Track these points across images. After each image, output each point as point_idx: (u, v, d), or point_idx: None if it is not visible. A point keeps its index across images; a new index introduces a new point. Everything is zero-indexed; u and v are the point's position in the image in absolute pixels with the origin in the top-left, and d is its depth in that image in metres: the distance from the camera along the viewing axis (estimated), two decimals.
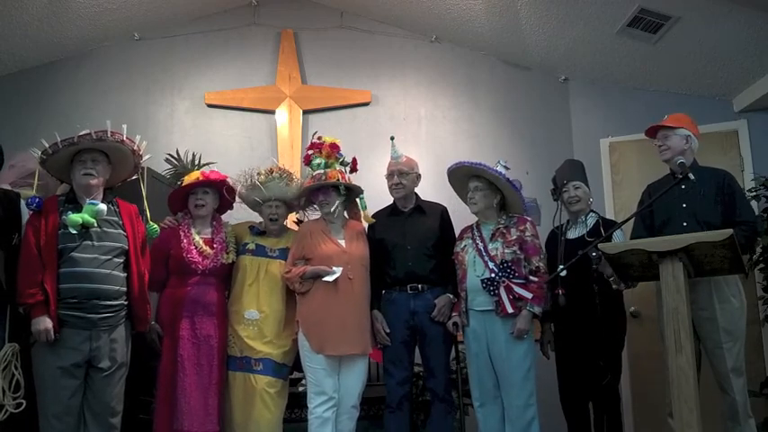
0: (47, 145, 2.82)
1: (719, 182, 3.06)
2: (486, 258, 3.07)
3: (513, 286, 3.00)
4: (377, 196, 3.50)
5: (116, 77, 4.81)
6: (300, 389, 3.43)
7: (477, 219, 3.26)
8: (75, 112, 4.55)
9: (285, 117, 4.76)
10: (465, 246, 3.18)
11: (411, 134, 4.77)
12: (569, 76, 4.80)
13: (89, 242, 2.77)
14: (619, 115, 4.60)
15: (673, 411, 2.59)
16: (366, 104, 4.86)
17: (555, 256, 3.19)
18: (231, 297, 3.24)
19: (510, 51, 4.79)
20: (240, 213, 3.51)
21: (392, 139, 3.41)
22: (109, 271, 2.78)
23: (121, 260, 2.85)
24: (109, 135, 2.85)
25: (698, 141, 3.18)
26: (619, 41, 4.23)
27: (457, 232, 3.33)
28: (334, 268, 3.07)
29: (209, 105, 4.81)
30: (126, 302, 2.86)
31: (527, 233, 3.11)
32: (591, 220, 3.30)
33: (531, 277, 3.05)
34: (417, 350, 3.28)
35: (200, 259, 3.11)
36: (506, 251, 3.06)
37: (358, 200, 3.35)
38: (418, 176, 3.41)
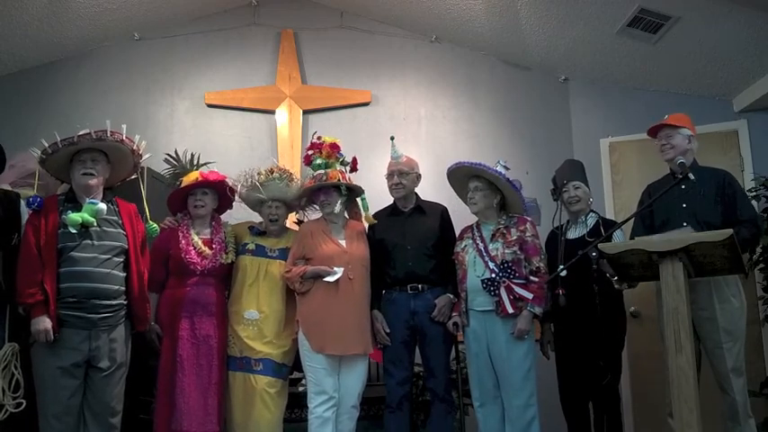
0: (47, 145, 2.82)
1: (719, 182, 3.06)
2: (487, 258, 3.07)
3: (514, 286, 3.00)
4: (377, 196, 3.50)
5: (116, 77, 4.81)
6: (300, 389, 3.43)
7: (477, 219, 3.26)
8: (75, 112, 4.55)
9: (285, 117, 4.76)
10: (465, 246, 3.18)
11: (411, 134, 4.77)
12: (569, 76, 4.80)
13: (89, 241, 2.77)
14: (619, 115, 4.60)
15: (673, 411, 2.59)
16: (366, 104, 4.86)
17: (555, 256, 3.19)
18: (231, 297, 3.24)
19: (510, 51, 4.79)
20: (240, 213, 3.51)
21: (392, 139, 3.41)
22: (108, 270, 2.78)
23: (121, 259, 2.86)
24: (108, 135, 2.85)
25: (696, 142, 3.18)
26: (619, 41, 4.23)
27: (457, 232, 3.33)
28: (336, 269, 3.07)
29: (209, 105, 4.81)
30: (125, 302, 2.86)
31: (527, 233, 3.11)
32: (591, 221, 3.30)
33: (532, 277, 3.05)
34: (417, 350, 3.28)
35: (199, 260, 3.11)
36: (507, 251, 3.06)
37: (360, 200, 3.35)
38: (418, 176, 3.41)
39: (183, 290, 3.09)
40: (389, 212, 3.41)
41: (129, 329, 2.91)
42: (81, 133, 2.83)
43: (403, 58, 4.94)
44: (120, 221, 2.91)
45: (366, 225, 3.37)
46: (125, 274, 2.87)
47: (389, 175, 3.36)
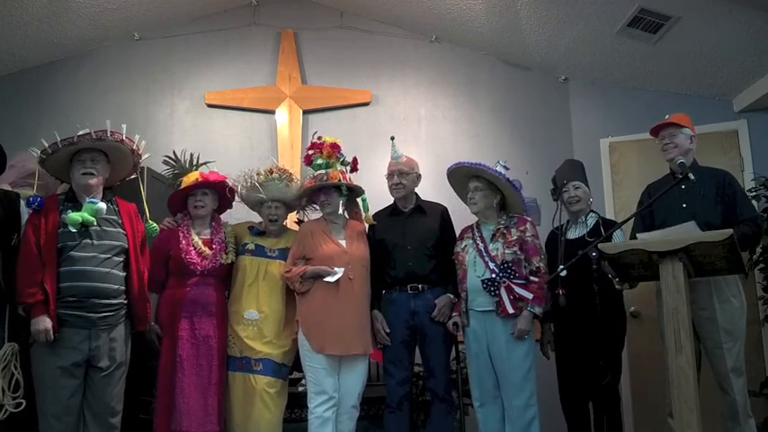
0: (47, 145, 2.82)
1: (719, 182, 3.06)
2: (487, 259, 3.07)
3: (514, 287, 3.00)
4: (377, 196, 3.50)
5: (116, 77, 4.81)
6: (300, 389, 3.43)
7: (477, 219, 3.26)
8: (75, 112, 4.55)
9: (285, 117, 4.76)
10: (465, 246, 3.18)
11: (411, 134, 4.77)
12: (569, 76, 4.80)
13: (88, 241, 2.77)
14: (619, 115, 4.60)
15: (673, 411, 2.59)
16: (366, 104, 4.86)
17: (555, 256, 3.18)
18: (231, 297, 3.24)
19: (510, 51, 4.79)
20: (240, 213, 3.51)
21: (392, 139, 3.41)
22: (108, 269, 2.78)
23: (121, 259, 2.86)
24: (108, 135, 2.85)
25: (696, 142, 3.19)
26: (619, 41, 4.23)
27: (457, 232, 3.33)
28: (336, 269, 3.07)
29: (209, 105, 4.81)
30: (125, 301, 2.86)
31: (527, 233, 3.12)
32: (591, 221, 3.30)
33: (532, 277, 3.05)
34: (417, 350, 3.28)
35: (199, 260, 3.11)
36: (507, 251, 3.06)
37: (360, 201, 3.36)
38: (418, 176, 3.41)
39: (182, 290, 3.09)
40: (390, 212, 3.41)
41: (128, 329, 2.91)
42: (81, 133, 2.83)
43: (403, 58, 4.94)
44: (120, 221, 2.91)
45: (366, 225, 3.38)
46: (125, 274, 2.87)
47: (389, 175, 3.36)
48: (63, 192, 2.99)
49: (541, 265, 3.09)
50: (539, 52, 4.66)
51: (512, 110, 4.83)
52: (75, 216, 2.74)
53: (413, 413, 3.45)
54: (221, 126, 4.80)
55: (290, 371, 3.24)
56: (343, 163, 3.30)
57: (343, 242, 3.20)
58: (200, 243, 3.16)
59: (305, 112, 4.79)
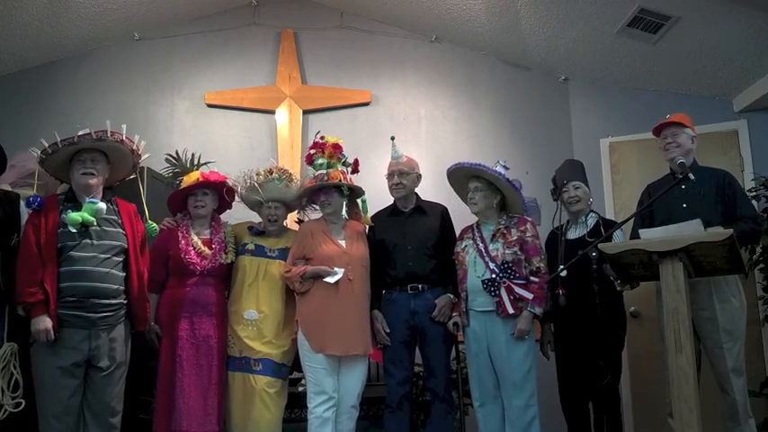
0: (47, 145, 2.82)
1: (720, 182, 3.06)
2: (487, 259, 3.07)
3: (514, 287, 3.00)
4: (377, 196, 3.50)
5: (116, 77, 4.81)
6: (300, 389, 3.43)
7: (477, 219, 3.26)
8: (75, 112, 4.55)
9: (285, 117, 4.76)
10: (465, 246, 3.18)
11: (411, 134, 4.77)
12: (569, 76, 4.80)
13: (88, 241, 2.77)
14: (619, 115, 4.60)
15: (673, 411, 2.59)
16: (366, 104, 4.86)
17: (555, 256, 3.19)
18: (230, 297, 3.24)
19: (510, 51, 4.79)
20: (240, 213, 3.51)
21: (392, 139, 3.41)
22: (108, 269, 2.78)
23: (121, 259, 2.86)
24: (109, 135, 2.85)
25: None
26: (619, 41, 4.23)
27: (457, 232, 3.33)
28: (336, 269, 3.07)
29: (209, 105, 4.81)
30: (125, 301, 2.86)
31: (527, 234, 3.11)
32: (591, 221, 3.30)
33: (532, 278, 3.05)
34: (418, 350, 3.28)
35: (199, 260, 3.11)
36: (507, 252, 3.06)
37: (360, 202, 3.36)
38: (419, 176, 3.41)
39: (182, 290, 3.09)
40: (390, 212, 3.41)
41: (128, 329, 2.91)
42: (81, 133, 2.83)
43: (403, 58, 4.94)
44: (120, 221, 2.91)
45: (366, 226, 3.38)
46: (124, 274, 2.87)
47: (390, 176, 3.36)
48: (63, 192, 2.99)
49: (542, 265, 3.09)
50: (539, 52, 4.66)
51: (512, 110, 4.83)
52: (75, 216, 2.74)
53: (413, 413, 3.45)
54: (221, 126, 4.80)
55: (289, 371, 3.24)
56: (344, 164, 3.30)
57: (342, 242, 3.20)
58: (199, 243, 3.16)
59: (305, 112, 4.79)
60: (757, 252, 3.77)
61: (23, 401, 2.62)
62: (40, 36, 4.46)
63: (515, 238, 3.09)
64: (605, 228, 3.20)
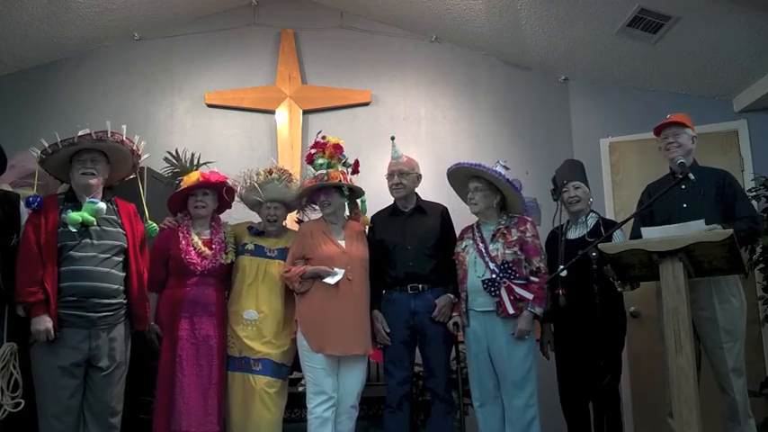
0: (47, 145, 2.82)
1: (719, 182, 3.06)
2: (487, 259, 3.07)
3: (514, 287, 3.00)
4: (377, 196, 3.50)
5: (116, 77, 4.81)
6: (300, 389, 3.42)
7: (477, 219, 3.26)
8: (75, 112, 4.55)
9: (285, 117, 4.76)
10: (465, 246, 3.18)
11: (411, 134, 4.77)
12: (569, 76, 4.80)
13: (88, 240, 2.78)
14: (619, 115, 4.60)
15: (673, 411, 2.59)
16: (366, 104, 4.86)
17: (555, 256, 3.18)
18: (230, 297, 3.24)
19: (510, 51, 4.79)
20: (239, 213, 3.51)
21: (392, 139, 3.41)
22: (108, 269, 2.79)
23: (120, 259, 2.86)
24: (109, 135, 2.85)
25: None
26: (619, 41, 4.23)
27: (457, 232, 3.33)
28: (336, 270, 3.07)
29: (209, 105, 4.81)
30: (125, 301, 2.86)
31: (528, 234, 3.11)
32: (591, 221, 3.30)
33: (532, 278, 3.05)
34: (418, 350, 3.28)
35: (199, 260, 3.12)
36: (507, 252, 3.06)
37: (359, 202, 3.36)
38: (419, 177, 3.40)
39: (182, 290, 3.09)
40: (390, 212, 3.41)
41: (128, 329, 2.91)
42: (81, 134, 2.83)
43: (403, 58, 4.94)
44: (120, 221, 2.91)
45: (366, 226, 3.38)
46: (124, 274, 2.87)
47: (390, 176, 3.36)
48: (63, 191, 3.00)
49: (542, 265, 3.09)
50: (539, 52, 4.66)
51: (512, 110, 4.83)
52: (75, 216, 2.74)
53: (413, 413, 3.45)
54: (221, 126, 4.81)
55: (289, 371, 3.24)
56: (344, 164, 3.30)
57: (342, 243, 3.20)
58: (199, 243, 3.16)
59: (305, 112, 4.80)
60: (757, 252, 3.77)
61: (23, 401, 2.62)
62: (40, 36, 4.46)
63: (515, 238, 3.09)
64: (605, 228, 3.20)
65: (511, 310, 2.98)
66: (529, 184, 4.22)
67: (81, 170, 2.84)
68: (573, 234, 3.30)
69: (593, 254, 2.84)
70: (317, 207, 3.33)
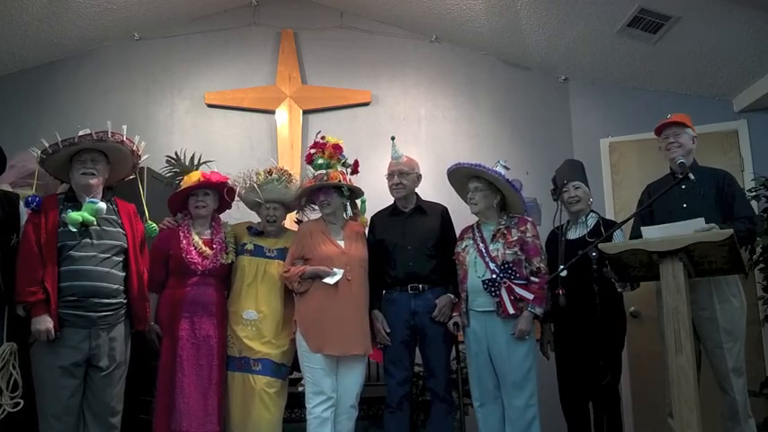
0: (47, 145, 2.82)
1: (719, 182, 3.06)
2: (488, 259, 3.07)
3: (515, 287, 3.00)
4: (377, 196, 3.50)
5: (116, 77, 4.81)
6: (300, 389, 3.42)
7: (477, 219, 3.26)
8: (75, 112, 4.55)
9: (285, 117, 4.76)
10: (466, 246, 3.18)
11: (411, 134, 4.77)
12: (569, 76, 4.80)
13: (88, 240, 2.78)
14: (619, 115, 4.60)
15: (673, 411, 2.59)
16: (366, 104, 4.86)
17: (555, 256, 3.19)
18: (230, 297, 3.24)
19: (510, 51, 4.79)
20: (238, 213, 3.51)
21: (393, 139, 3.41)
22: (108, 269, 2.79)
23: (120, 258, 2.86)
24: (109, 135, 2.85)
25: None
26: (619, 41, 4.23)
27: (457, 232, 3.33)
28: (335, 270, 3.07)
29: (209, 105, 4.81)
30: (125, 301, 2.86)
31: (528, 234, 3.11)
32: (591, 221, 3.30)
33: (532, 278, 3.05)
34: (418, 350, 3.28)
35: (200, 260, 3.12)
36: (507, 252, 3.06)
37: (359, 202, 3.36)
38: (419, 177, 3.40)
39: (183, 290, 3.09)
40: (390, 212, 3.41)
41: (128, 328, 2.91)
42: (82, 134, 2.83)
43: (403, 58, 4.94)
44: (120, 221, 2.92)
45: (366, 227, 3.38)
46: (124, 274, 2.87)
47: (390, 176, 3.36)
48: (63, 191, 3.00)
49: (542, 265, 3.09)
50: (539, 52, 4.66)
51: (512, 110, 4.83)
52: (75, 215, 2.74)
53: (413, 413, 3.45)
54: (221, 126, 4.80)
55: (289, 371, 3.24)
56: (344, 164, 3.30)
57: (341, 243, 3.20)
58: (200, 243, 3.16)
59: (305, 112, 4.79)
60: (757, 252, 3.77)
61: (22, 401, 2.62)
62: (40, 36, 4.46)
63: (516, 238, 3.09)
64: (605, 228, 3.20)
65: (511, 311, 2.98)
66: (529, 184, 4.22)
67: (81, 170, 2.85)
68: (573, 234, 3.30)
69: (594, 254, 2.84)
70: (316, 207, 3.33)
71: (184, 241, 3.13)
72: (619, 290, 3.04)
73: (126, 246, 2.88)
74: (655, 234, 2.74)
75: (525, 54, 4.74)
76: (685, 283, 2.57)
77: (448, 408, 3.17)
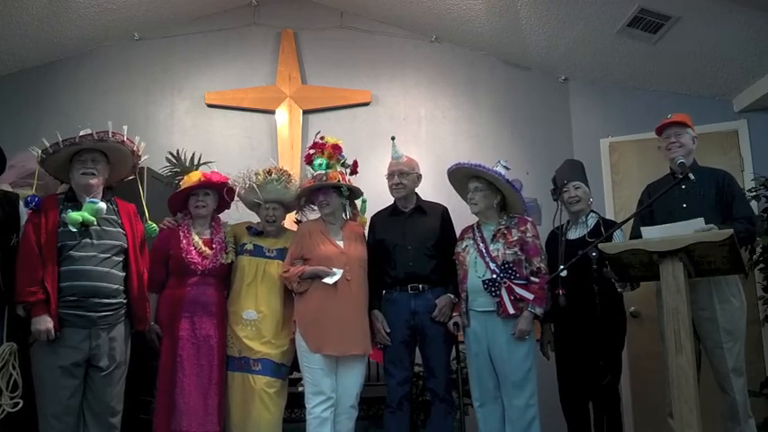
0: (48, 144, 2.82)
1: (719, 182, 3.06)
2: (488, 259, 3.07)
3: (515, 287, 3.00)
4: (377, 196, 3.51)
5: (116, 77, 4.81)
6: (300, 389, 3.42)
7: (477, 219, 3.26)
8: (75, 112, 4.56)
9: (285, 117, 4.76)
10: (466, 246, 3.18)
11: (411, 134, 4.77)
12: (569, 76, 4.80)
13: (88, 240, 2.78)
14: (619, 115, 4.60)
15: (673, 411, 2.59)
16: (366, 104, 4.86)
17: (555, 256, 3.19)
18: (229, 297, 3.24)
19: (510, 51, 4.79)
20: (236, 213, 3.51)
21: (393, 139, 3.41)
22: (108, 269, 2.79)
23: (120, 258, 2.86)
24: (110, 136, 2.85)
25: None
26: (619, 41, 4.23)
27: (457, 232, 3.33)
28: (335, 270, 3.07)
29: (209, 105, 4.81)
30: (125, 301, 2.86)
31: (528, 234, 3.11)
32: (591, 221, 3.30)
33: (532, 278, 3.05)
34: (418, 350, 3.28)
35: (200, 260, 3.12)
36: (507, 252, 3.06)
37: (359, 203, 3.36)
38: (419, 177, 3.40)
39: (183, 290, 3.09)
40: (390, 213, 3.41)
41: (128, 328, 2.91)
42: (83, 134, 2.84)
43: (403, 58, 4.94)
44: (120, 221, 2.92)
45: (366, 227, 3.38)
46: (124, 274, 2.87)
47: (390, 176, 3.36)
48: (63, 191, 3.00)
49: (542, 265, 3.09)
50: (539, 52, 4.66)
51: (512, 110, 4.83)
52: (75, 215, 2.74)
53: (413, 413, 3.45)
54: (221, 126, 4.80)
55: (289, 371, 3.24)
56: (343, 165, 3.30)
57: (341, 243, 3.20)
58: (200, 243, 3.16)
59: (305, 112, 4.79)
60: (757, 252, 3.77)
61: (22, 401, 2.62)
62: (40, 36, 4.46)
63: (516, 238, 3.09)
64: (605, 228, 3.20)
65: (511, 311, 2.98)
66: (529, 184, 4.23)
67: (81, 170, 2.85)
68: (573, 234, 3.30)
69: (594, 254, 2.84)
70: (315, 207, 3.33)
71: (184, 241, 3.13)
72: (619, 290, 3.04)
73: (126, 246, 2.88)
74: (655, 234, 2.74)
75: (525, 54, 4.74)
76: (685, 283, 2.57)
77: (448, 408, 3.17)
